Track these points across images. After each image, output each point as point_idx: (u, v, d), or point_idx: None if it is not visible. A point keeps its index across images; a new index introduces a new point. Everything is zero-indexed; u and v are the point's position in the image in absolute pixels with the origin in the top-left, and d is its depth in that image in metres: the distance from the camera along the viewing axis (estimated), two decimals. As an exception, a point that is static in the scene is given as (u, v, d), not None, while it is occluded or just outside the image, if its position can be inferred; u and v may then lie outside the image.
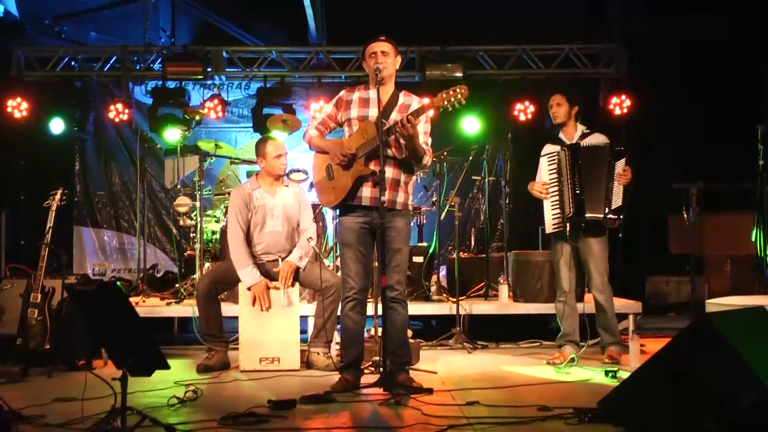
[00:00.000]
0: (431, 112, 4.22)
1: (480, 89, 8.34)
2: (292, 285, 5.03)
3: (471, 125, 8.00)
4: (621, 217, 4.98)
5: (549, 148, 5.21)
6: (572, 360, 5.00)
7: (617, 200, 4.98)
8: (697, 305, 6.05)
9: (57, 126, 8.23)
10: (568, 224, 4.99)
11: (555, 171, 5.09)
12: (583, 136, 5.16)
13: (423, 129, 4.24)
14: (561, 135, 5.24)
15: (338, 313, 4.82)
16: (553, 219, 5.08)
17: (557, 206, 5.06)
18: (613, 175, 5.00)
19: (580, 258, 5.13)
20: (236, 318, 5.10)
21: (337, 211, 4.40)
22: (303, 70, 8.61)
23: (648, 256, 8.53)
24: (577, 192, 4.97)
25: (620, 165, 5.02)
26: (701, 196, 5.72)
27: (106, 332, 3.43)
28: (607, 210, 4.97)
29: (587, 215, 4.96)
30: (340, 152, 4.23)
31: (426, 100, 4.28)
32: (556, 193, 5.07)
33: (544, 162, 5.17)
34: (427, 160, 4.26)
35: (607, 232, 5.09)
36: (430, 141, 4.33)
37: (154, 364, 3.36)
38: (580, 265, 5.15)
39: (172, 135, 7.87)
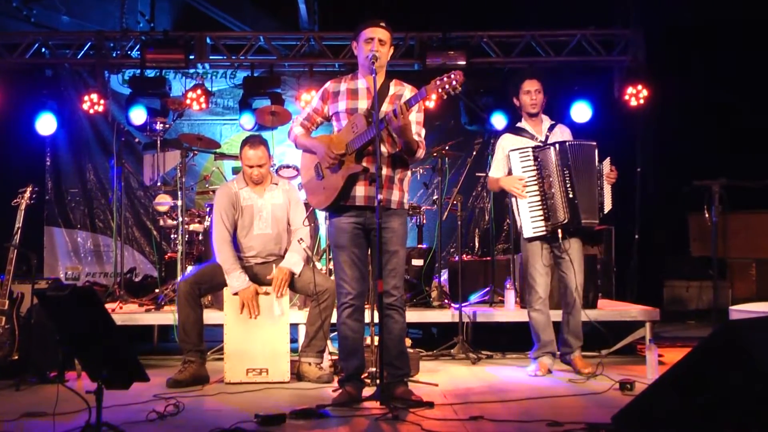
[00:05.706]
0: (429, 101, 4.21)
1: (484, 78, 8.37)
2: (284, 294, 5.01)
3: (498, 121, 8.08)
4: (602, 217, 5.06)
5: (516, 141, 5.16)
6: (550, 372, 5.10)
7: (608, 203, 5.04)
8: (720, 312, 6.06)
9: (47, 125, 8.25)
10: (560, 230, 4.99)
11: (533, 168, 5.04)
12: (551, 128, 5.18)
13: (415, 119, 4.23)
14: (527, 126, 5.21)
15: (332, 320, 4.83)
16: (534, 222, 5.04)
17: (539, 208, 5.03)
18: (602, 176, 5.04)
19: (558, 261, 5.12)
20: (221, 326, 5.09)
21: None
22: (293, 58, 8.62)
23: (666, 259, 8.54)
24: (570, 197, 4.97)
25: (607, 164, 5.05)
26: (724, 194, 5.71)
27: (79, 341, 3.43)
28: (600, 215, 5.02)
29: (583, 221, 4.98)
30: (328, 154, 4.20)
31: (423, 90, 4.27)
32: (537, 193, 5.04)
33: (515, 158, 5.09)
34: (421, 153, 4.26)
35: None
36: (423, 132, 4.32)
37: (132, 376, 3.36)
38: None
39: (138, 116, 7.96)
